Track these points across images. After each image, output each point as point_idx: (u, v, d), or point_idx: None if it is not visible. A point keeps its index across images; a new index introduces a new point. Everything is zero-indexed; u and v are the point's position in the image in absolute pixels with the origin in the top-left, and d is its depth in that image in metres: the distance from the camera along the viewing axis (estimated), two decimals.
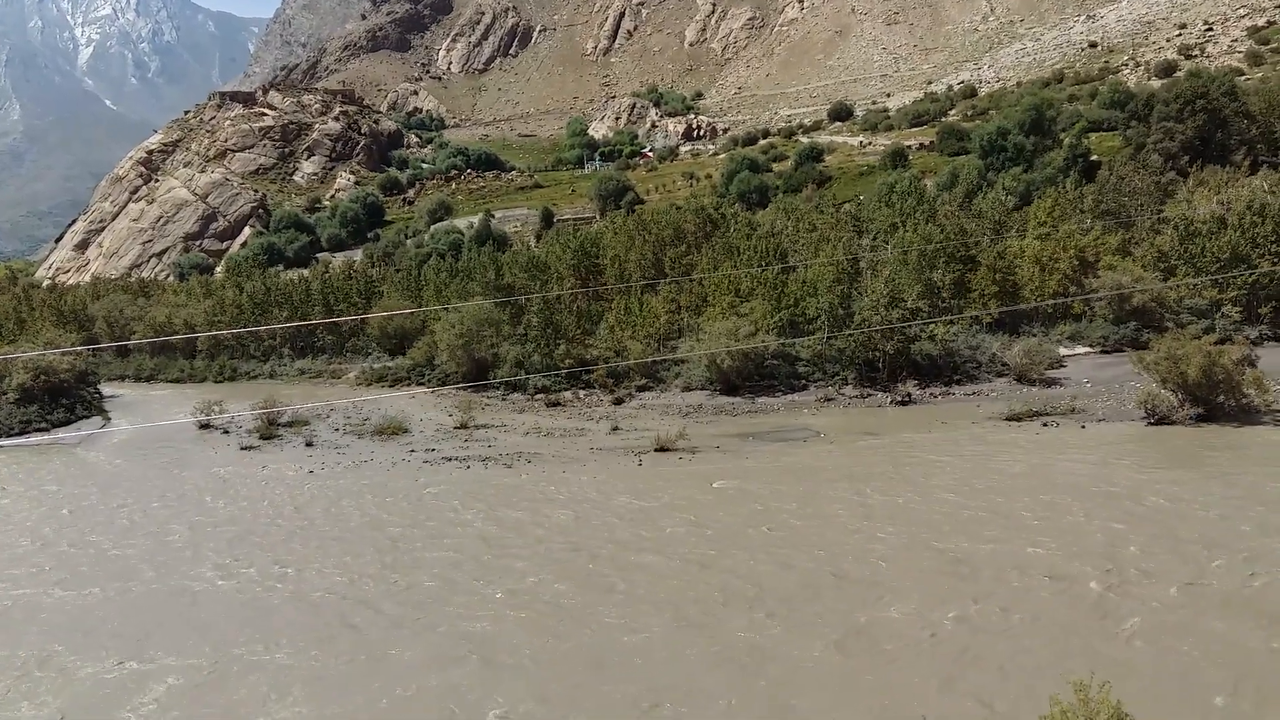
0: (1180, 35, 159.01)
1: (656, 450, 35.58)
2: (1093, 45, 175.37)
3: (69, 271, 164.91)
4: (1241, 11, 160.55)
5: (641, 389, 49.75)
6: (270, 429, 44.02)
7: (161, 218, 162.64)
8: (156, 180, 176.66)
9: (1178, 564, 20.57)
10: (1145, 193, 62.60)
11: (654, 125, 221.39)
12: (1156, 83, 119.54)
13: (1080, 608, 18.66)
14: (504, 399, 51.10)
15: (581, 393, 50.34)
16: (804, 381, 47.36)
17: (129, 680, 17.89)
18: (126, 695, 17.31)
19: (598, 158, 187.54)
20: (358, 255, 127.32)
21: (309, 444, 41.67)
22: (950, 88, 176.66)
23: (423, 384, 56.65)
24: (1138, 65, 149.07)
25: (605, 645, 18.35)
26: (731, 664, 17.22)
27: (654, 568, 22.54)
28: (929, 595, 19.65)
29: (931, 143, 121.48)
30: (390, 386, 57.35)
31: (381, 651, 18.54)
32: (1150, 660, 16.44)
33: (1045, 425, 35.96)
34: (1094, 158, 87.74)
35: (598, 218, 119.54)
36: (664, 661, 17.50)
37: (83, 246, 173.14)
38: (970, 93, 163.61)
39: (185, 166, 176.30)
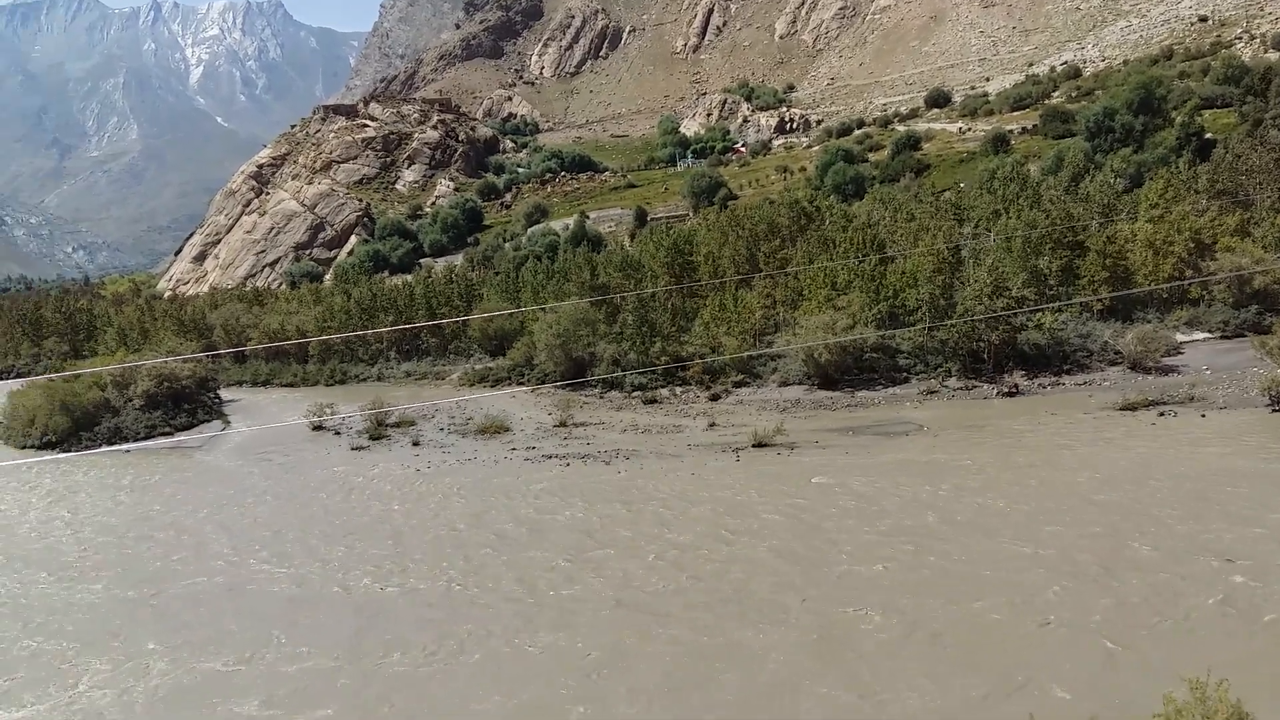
0: None
1: (754, 446, 35.49)
2: (1203, 19, 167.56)
3: (188, 283, 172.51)
4: None
5: (738, 385, 49.62)
6: (379, 430, 45.34)
7: (273, 229, 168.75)
8: (267, 193, 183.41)
9: None
10: (1264, 170, 59.54)
11: (745, 120, 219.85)
12: (1273, 55, 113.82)
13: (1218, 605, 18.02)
14: (601, 397, 51.57)
15: (678, 389, 50.45)
16: (905, 374, 46.54)
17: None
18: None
19: (690, 155, 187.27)
20: (458, 259, 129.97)
21: (416, 443, 42.80)
22: (1053, 69, 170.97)
23: (522, 383, 57.55)
24: (1252, 38, 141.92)
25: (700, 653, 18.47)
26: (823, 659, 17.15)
27: (760, 564, 22.53)
28: (1045, 592, 19.22)
29: (1034, 126, 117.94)
30: (491, 386, 58.42)
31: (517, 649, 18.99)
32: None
33: (1162, 414, 34.66)
34: (1208, 136, 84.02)
35: (691, 215, 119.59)
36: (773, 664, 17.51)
37: (200, 259, 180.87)
38: (1074, 74, 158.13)
39: (293, 179, 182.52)
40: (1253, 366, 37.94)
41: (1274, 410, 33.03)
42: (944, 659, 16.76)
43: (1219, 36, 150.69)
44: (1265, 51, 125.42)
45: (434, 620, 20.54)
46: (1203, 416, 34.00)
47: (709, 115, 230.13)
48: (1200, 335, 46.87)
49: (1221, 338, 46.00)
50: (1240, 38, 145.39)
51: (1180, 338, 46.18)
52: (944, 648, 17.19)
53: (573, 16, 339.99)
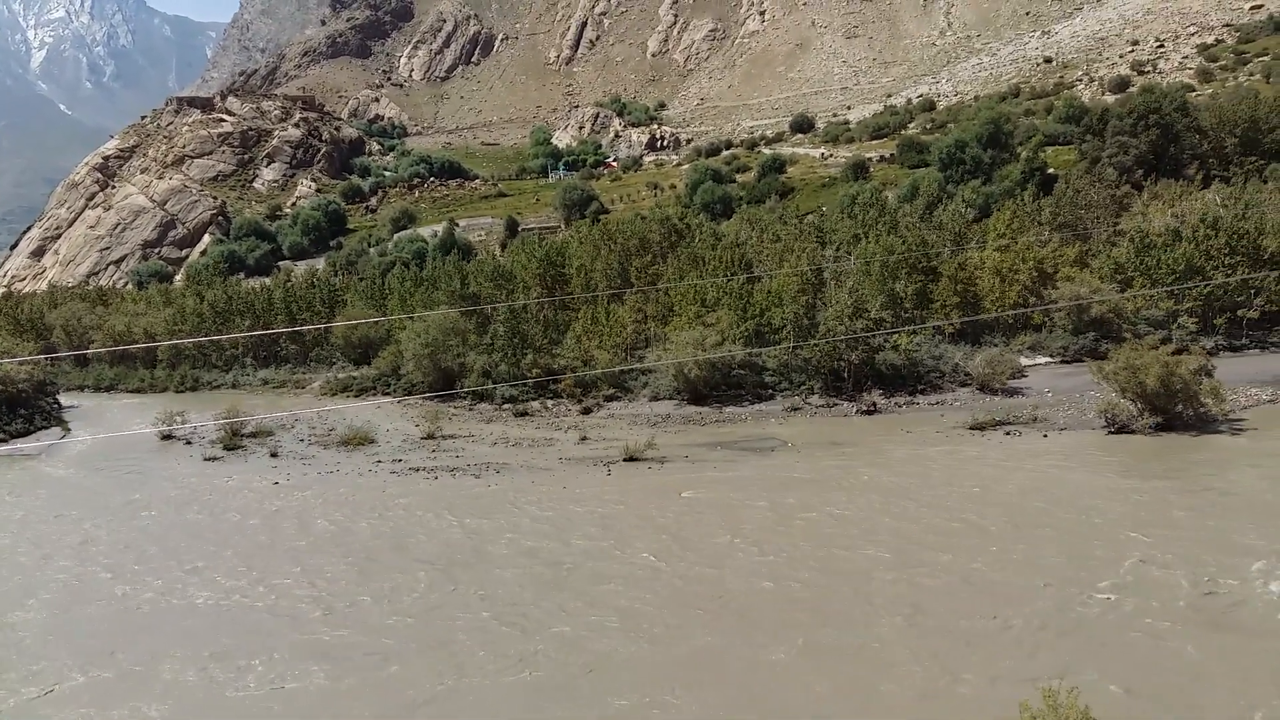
0: (1133, 51, 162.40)
1: (625, 460, 35.73)
2: (1048, 60, 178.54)
3: (24, 279, 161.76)
4: (1191, 30, 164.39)
5: (609, 399, 49.88)
6: (234, 439, 43.61)
7: (119, 225, 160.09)
8: (113, 186, 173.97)
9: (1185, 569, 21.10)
10: (1101, 206, 63.85)
11: (618, 135, 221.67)
12: (1110, 98, 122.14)
13: (1069, 613, 19.09)
14: (471, 409, 50.99)
15: (549, 402, 50.35)
16: (771, 391, 47.76)
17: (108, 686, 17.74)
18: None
19: (562, 167, 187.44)
20: (320, 264, 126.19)
21: (274, 454, 41.32)
22: (909, 101, 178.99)
23: (389, 393, 56.36)
24: (1092, 80, 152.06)
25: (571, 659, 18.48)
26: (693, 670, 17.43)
27: (621, 578, 22.67)
28: (905, 605, 19.98)
29: (892, 155, 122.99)
30: (355, 396, 57.01)
31: (365, 670, 18.52)
32: (1126, 663, 16.87)
33: (1008, 434, 36.59)
34: (1050, 171, 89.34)
35: (562, 227, 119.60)
36: (628, 676, 17.64)
37: (39, 254, 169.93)
38: (929, 106, 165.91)
39: (143, 173, 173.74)
40: (1090, 390, 40.46)
41: (1110, 432, 35.30)
42: (822, 667, 17.25)
43: (1062, 78, 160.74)
44: (1103, 94, 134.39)
45: (313, 642, 19.87)
46: (1045, 436, 36.04)
47: (581, 128, 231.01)
48: (1042, 359, 49.74)
49: (1062, 362, 48.93)
50: (1081, 79, 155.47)
51: (1024, 361, 48.86)
52: (823, 659, 17.69)
53: (444, 20, 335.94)
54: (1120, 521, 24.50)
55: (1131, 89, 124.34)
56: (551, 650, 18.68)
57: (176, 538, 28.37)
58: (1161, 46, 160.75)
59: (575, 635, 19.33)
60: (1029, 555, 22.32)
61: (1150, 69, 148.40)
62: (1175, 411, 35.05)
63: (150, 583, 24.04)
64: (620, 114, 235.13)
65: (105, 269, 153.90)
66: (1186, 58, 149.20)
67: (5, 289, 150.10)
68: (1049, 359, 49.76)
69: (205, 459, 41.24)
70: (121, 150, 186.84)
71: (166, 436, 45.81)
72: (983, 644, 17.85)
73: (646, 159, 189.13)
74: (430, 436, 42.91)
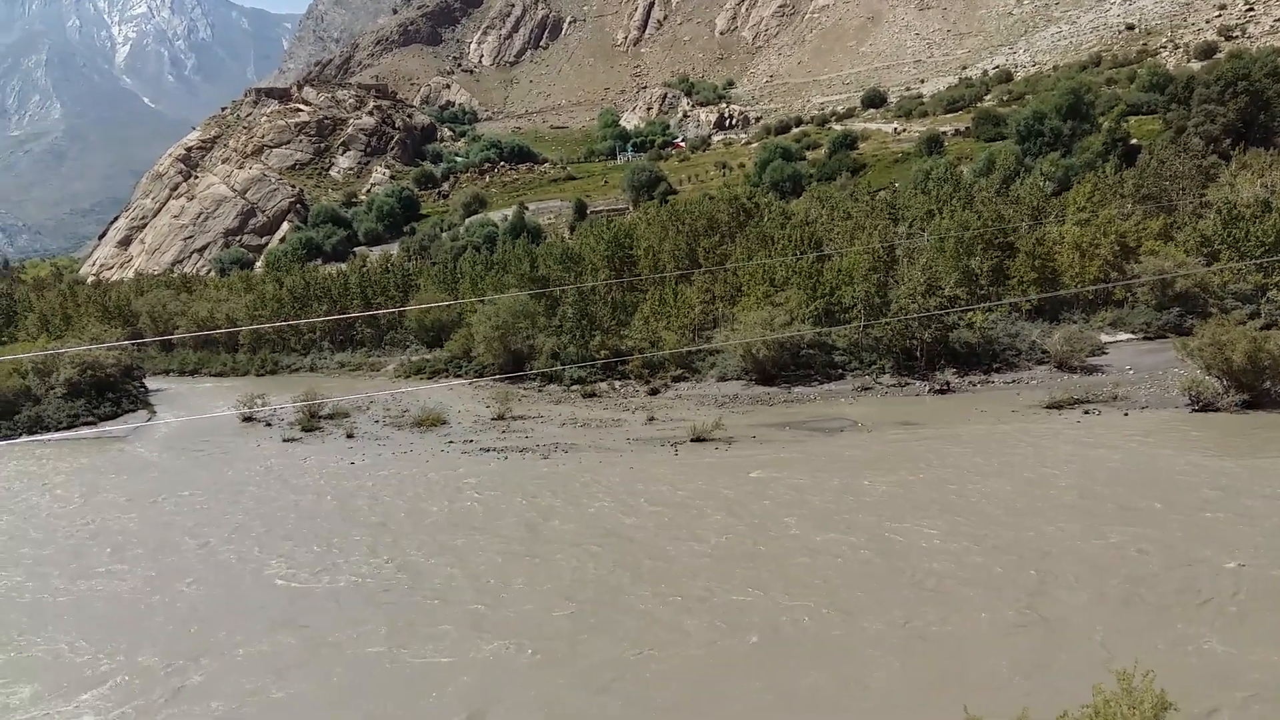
0: (1220, 16, 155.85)
1: (693, 440, 35.69)
2: (1130, 27, 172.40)
3: (112, 268, 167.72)
4: None
5: (677, 379, 49.86)
6: (311, 421, 44.61)
7: (202, 214, 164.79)
8: (196, 177, 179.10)
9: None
10: (1187, 176, 61.61)
11: (686, 115, 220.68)
12: (1196, 65, 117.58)
13: (1143, 601, 18.60)
14: (540, 390, 51.42)
15: (617, 383, 50.52)
16: (840, 371, 47.23)
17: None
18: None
19: (630, 148, 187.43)
20: (394, 249, 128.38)
21: (350, 436, 42.17)
22: (985, 73, 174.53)
23: (460, 375, 57.13)
24: (1176, 47, 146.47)
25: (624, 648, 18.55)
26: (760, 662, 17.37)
27: (687, 560, 22.68)
28: (981, 591, 19.66)
29: (967, 129, 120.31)
30: (428, 378, 57.91)
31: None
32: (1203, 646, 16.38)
33: (1087, 413, 35.65)
34: (1133, 141, 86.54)
35: (631, 209, 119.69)
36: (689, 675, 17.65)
37: (125, 243, 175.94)
38: (1006, 77, 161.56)
39: (224, 163, 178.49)
40: (1174, 367, 39.21)
41: (1194, 410, 34.18)
42: (901, 650, 17.09)
43: (1145, 45, 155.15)
44: (1189, 60, 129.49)
45: (384, 617, 20.31)
46: (1125, 415, 35.05)
47: (649, 109, 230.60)
48: (1124, 336, 48.31)
49: (1144, 339, 47.47)
50: (1165, 46, 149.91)
51: (1105, 338, 47.54)
52: (893, 642, 17.53)
53: (512, 5, 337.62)
54: (1234, 499, 23.73)
55: (1219, 55, 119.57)
56: (712, 624, 18.78)
57: (290, 519, 29.06)
58: (1251, 9, 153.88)
59: (718, 612, 19.37)
60: (1154, 532, 21.76)
61: (1239, 33, 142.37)
62: (1263, 388, 33.80)
63: (283, 561, 24.59)
64: (688, 94, 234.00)
65: (189, 257, 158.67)
66: (1278, 21, 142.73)
67: (94, 277, 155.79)
68: (1131, 335, 48.31)
69: (284, 440, 42.26)
70: (203, 141, 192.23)
71: (247, 418, 47.05)
72: (1050, 628, 17.49)
73: (715, 138, 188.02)
74: (500, 417, 43.41)
